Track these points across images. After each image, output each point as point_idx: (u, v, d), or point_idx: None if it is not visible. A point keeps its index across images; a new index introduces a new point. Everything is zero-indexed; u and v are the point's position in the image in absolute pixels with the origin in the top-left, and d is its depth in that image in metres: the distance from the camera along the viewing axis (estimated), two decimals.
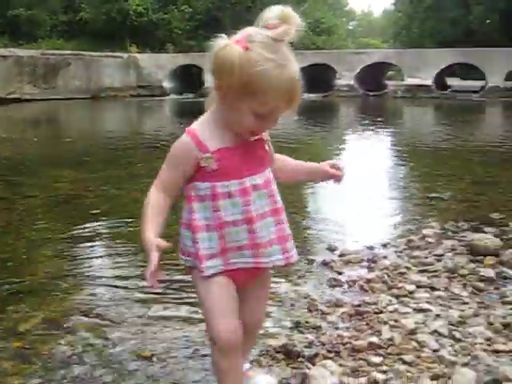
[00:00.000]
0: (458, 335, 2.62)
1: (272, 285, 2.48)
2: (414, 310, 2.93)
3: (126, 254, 4.07)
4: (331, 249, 4.04)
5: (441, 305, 2.99)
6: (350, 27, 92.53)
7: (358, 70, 26.99)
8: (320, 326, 2.80)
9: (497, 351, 2.48)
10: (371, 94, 26.88)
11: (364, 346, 2.52)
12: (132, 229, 4.63)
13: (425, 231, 4.33)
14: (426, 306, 2.95)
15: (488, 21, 39.72)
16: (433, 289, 3.22)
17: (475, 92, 26.36)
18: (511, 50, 25.21)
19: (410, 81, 26.75)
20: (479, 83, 27.29)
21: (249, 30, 1.68)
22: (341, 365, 2.39)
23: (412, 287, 3.23)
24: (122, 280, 3.57)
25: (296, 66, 1.69)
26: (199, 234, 1.81)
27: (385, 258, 3.82)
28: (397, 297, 3.12)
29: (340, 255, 3.91)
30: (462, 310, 2.90)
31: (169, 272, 3.42)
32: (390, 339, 2.58)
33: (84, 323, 2.95)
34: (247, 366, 2.22)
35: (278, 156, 2.05)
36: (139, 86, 27.88)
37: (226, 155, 1.77)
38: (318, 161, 2.14)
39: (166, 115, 20.52)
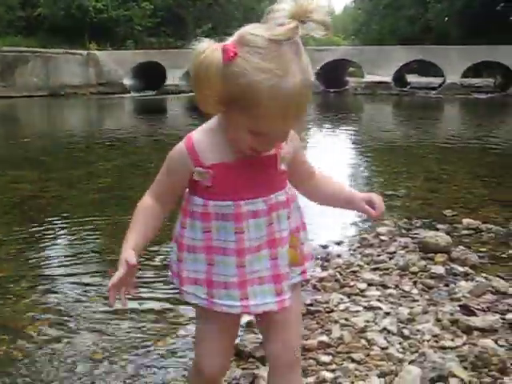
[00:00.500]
0: (406, 332, 2.68)
1: None
2: (365, 308, 2.98)
3: (82, 256, 4.05)
4: None
5: (391, 302, 3.05)
6: None
7: (319, 67, 27.16)
8: None
9: (444, 347, 2.54)
10: (332, 90, 27.08)
11: (314, 345, 2.56)
12: (89, 228, 4.61)
13: (379, 229, 4.40)
14: (377, 304, 3.01)
15: (446, 18, 40.33)
16: (384, 287, 3.28)
17: (433, 89, 26.76)
18: (468, 47, 25.68)
19: (369, 78, 27.03)
20: (438, 80, 27.73)
21: (242, 30, 1.36)
22: None
23: (364, 285, 3.28)
24: (78, 282, 3.56)
25: (299, 76, 1.32)
26: (185, 254, 1.60)
27: (338, 256, 3.88)
28: (348, 295, 3.16)
29: None
30: (412, 308, 2.96)
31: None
32: (340, 338, 2.62)
33: (36, 326, 2.94)
34: None
35: (319, 174, 1.77)
36: (99, 83, 27.57)
37: (223, 172, 1.51)
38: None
39: (125, 113, 20.35)
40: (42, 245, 4.32)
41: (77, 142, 10.49)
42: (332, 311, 2.95)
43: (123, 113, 20.42)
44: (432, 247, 3.82)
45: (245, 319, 2.65)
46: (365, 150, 9.70)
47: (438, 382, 2.20)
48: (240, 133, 1.41)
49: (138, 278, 3.45)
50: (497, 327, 2.71)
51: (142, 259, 3.88)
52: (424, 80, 32.35)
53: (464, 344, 2.55)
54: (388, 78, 26.46)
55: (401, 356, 2.46)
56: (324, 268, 3.66)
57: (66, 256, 4.11)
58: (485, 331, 2.67)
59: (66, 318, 3.04)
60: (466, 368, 2.33)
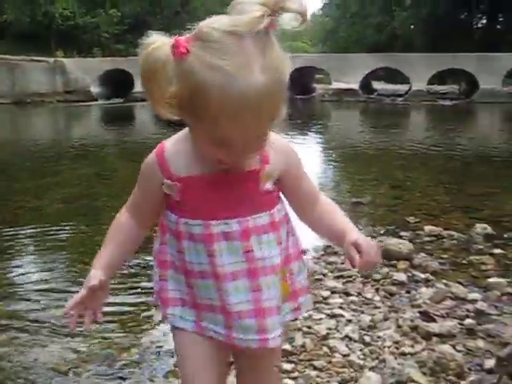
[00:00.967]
0: (367, 339, 2.74)
1: None
2: (328, 315, 3.02)
3: (48, 266, 4.04)
4: None
5: (353, 310, 3.10)
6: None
7: None
8: None
9: (404, 353, 2.60)
10: (299, 97, 27.22)
11: None
12: (55, 239, 4.60)
13: None
14: (340, 311, 3.06)
15: (412, 26, 40.95)
16: (347, 294, 3.33)
17: (400, 96, 27.08)
18: (433, 55, 26.09)
19: (336, 85, 27.24)
20: (404, 87, 28.08)
21: (202, 23, 1.15)
22: None
23: (327, 293, 3.33)
24: (43, 292, 3.56)
25: (261, 74, 1.09)
26: (170, 271, 1.43)
27: None
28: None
29: None
30: (373, 315, 3.02)
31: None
32: (303, 346, 2.67)
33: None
34: None
35: (324, 200, 1.52)
36: (66, 91, 27.31)
37: (193, 186, 1.32)
38: None
39: (93, 121, 20.21)
40: (6, 255, 4.28)
41: (43, 151, 10.40)
42: (295, 319, 2.99)
43: (90, 121, 20.28)
44: (395, 254, 3.89)
45: None
46: (331, 156, 9.79)
47: None
48: (200, 142, 1.23)
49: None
50: (455, 333, 2.78)
51: None
52: (391, 87, 32.71)
53: (423, 350, 2.62)
54: (355, 85, 26.70)
55: (362, 363, 2.51)
56: None
57: (31, 266, 4.11)
58: (443, 337, 2.74)
59: (29, 327, 3.03)
60: (424, 373, 2.39)
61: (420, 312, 3.02)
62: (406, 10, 40.81)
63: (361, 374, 2.39)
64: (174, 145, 1.36)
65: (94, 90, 27.55)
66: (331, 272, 3.72)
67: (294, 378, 2.39)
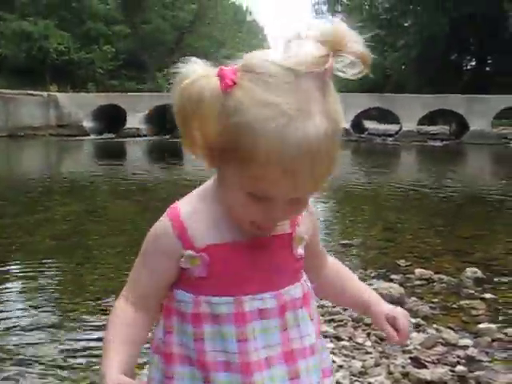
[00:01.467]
0: None
1: None
2: None
3: (36, 303, 4.03)
4: None
5: (344, 355, 3.09)
6: None
7: None
8: None
9: None
10: None
11: None
12: (44, 276, 4.59)
13: None
14: (331, 356, 3.04)
15: (403, 67, 41.51)
16: (338, 339, 3.32)
17: (391, 136, 27.33)
18: (423, 96, 26.44)
19: None
20: (395, 127, 28.34)
21: (251, 54, 0.99)
22: None
23: None
24: (33, 328, 3.55)
25: (322, 120, 0.92)
26: (177, 367, 1.12)
27: None
28: None
29: None
30: (364, 360, 3.01)
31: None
32: None
33: None
34: None
35: (331, 261, 1.36)
36: (59, 125, 27.42)
37: (222, 256, 1.08)
38: None
39: (84, 156, 20.23)
40: None
41: (34, 186, 10.37)
42: None
43: (82, 156, 20.28)
44: (386, 299, 3.84)
45: None
46: (321, 197, 9.80)
47: None
48: (233, 197, 1.01)
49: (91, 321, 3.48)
50: (446, 379, 2.78)
51: (89, 302, 3.91)
52: (382, 127, 33.00)
53: None
54: (347, 125, 26.91)
55: None
56: None
57: (20, 302, 4.09)
58: None
59: (16, 361, 3.03)
60: None
61: (411, 358, 3.01)
62: (397, 51, 41.35)
63: None
64: (193, 206, 1.12)
65: (87, 124, 27.68)
66: (322, 316, 3.71)
67: None
